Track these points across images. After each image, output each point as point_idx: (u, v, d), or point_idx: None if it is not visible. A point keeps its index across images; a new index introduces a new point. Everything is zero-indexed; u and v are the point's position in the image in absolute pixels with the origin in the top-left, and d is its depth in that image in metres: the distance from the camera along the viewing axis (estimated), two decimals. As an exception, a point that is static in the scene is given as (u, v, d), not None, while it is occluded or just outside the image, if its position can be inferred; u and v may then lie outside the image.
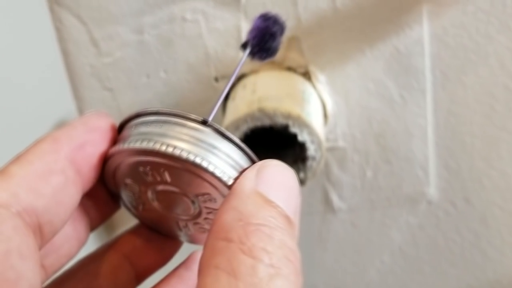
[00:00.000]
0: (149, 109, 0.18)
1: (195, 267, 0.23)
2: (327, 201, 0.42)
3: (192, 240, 0.22)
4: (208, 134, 0.17)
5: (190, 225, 0.21)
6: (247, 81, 0.35)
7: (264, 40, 0.25)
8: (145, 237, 0.22)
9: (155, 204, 0.20)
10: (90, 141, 0.18)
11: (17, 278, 0.15)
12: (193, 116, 0.17)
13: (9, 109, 0.30)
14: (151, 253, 0.22)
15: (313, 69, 0.36)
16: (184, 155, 0.17)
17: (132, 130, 0.18)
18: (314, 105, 0.34)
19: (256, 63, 0.36)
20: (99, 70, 0.38)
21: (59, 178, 0.17)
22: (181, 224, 0.21)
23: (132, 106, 0.39)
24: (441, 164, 0.39)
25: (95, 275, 0.21)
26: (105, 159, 0.19)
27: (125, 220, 0.34)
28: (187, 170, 0.17)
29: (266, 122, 0.31)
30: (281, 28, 0.26)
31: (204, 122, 0.17)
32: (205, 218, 0.20)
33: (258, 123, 0.31)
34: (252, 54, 0.25)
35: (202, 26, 0.35)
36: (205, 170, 0.17)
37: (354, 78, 0.36)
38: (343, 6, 0.34)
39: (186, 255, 0.23)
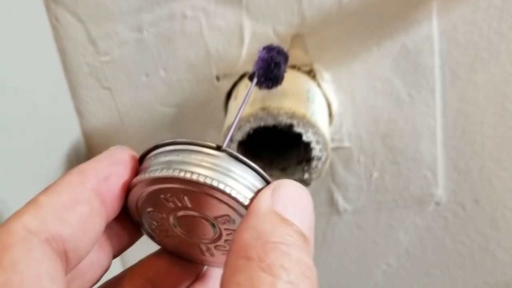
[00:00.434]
0: (166, 140, 0.19)
1: (211, 282, 0.24)
2: (332, 203, 0.41)
3: (215, 264, 0.23)
4: (223, 159, 0.18)
5: (212, 248, 0.22)
6: (250, 80, 0.34)
7: (269, 70, 0.28)
8: (168, 261, 0.23)
9: (177, 230, 0.21)
10: (114, 174, 0.20)
11: None
12: (208, 143, 0.19)
13: (5, 109, 0.29)
14: (174, 277, 0.23)
15: (317, 67, 0.35)
16: (202, 179, 0.18)
17: (151, 161, 0.19)
18: (319, 104, 0.33)
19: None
20: (97, 69, 0.37)
21: (85, 208, 0.18)
22: (203, 248, 0.22)
23: (130, 105, 0.38)
24: (450, 165, 0.38)
25: None
26: (128, 190, 0.20)
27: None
28: (205, 194, 0.18)
29: (270, 122, 0.30)
30: (285, 57, 0.29)
31: (218, 148, 0.19)
32: (226, 240, 0.21)
33: (262, 123, 0.30)
34: (259, 84, 0.28)
35: (203, 24, 0.34)
36: (222, 192, 0.18)
37: (360, 77, 0.35)
38: (349, 2, 0.32)
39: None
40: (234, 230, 0.20)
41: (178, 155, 0.19)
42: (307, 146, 0.31)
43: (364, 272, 0.45)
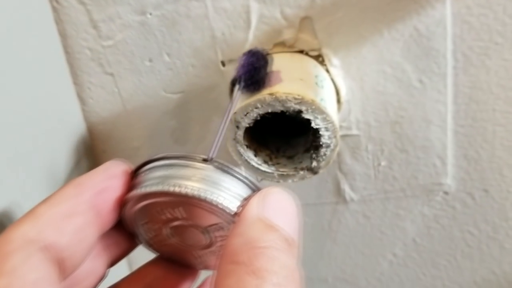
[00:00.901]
0: (156, 156, 0.20)
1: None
2: (338, 192, 0.40)
3: (208, 267, 0.24)
4: (212, 171, 0.20)
5: (205, 253, 0.23)
6: (257, 65, 0.33)
7: (251, 75, 0.28)
8: (165, 267, 0.24)
9: (172, 239, 0.22)
10: (110, 187, 0.21)
11: None
12: (196, 156, 0.20)
13: (5, 96, 0.28)
14: (172, 283, 0.24)
15: (326, 52, 0.34)
16: (193, 192, 0.19)
17: (144, 176, 0.20)
18: (327, 90, 0.32)
19: (265, 46, 0.34)
20: (99, 54, 0.36)
21: (80, 219, 0.19)
22: (198, 253, 0.23)
23: (133, 91, 0.37)
24: (459, 153, 0.37)
25: None
26: (123, 203, 0.21)
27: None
28: (196, 205, 0.19)
29: (278, 107, 0.29)
30: (265, 61, 0.30)
31: (206, 160, 0.20)
32: (218, 246, 0.22)
33: (269, 109, 0.29)
34: (243, 89, 0.29)
35: (209, 6, 0.33)
36: (211, 203, 0.19)
37: (370, 62, 0.34)
38: (359, -16, 0.31)
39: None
40: (226, 236, 0.20)
41: (169, 169, 0.20)
42: (315, 133, 0.31)
43: (370, 262, 0.44)
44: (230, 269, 0.17)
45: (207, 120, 0.38)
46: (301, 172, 0.32)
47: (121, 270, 0.24)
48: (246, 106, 0.29)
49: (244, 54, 0.30)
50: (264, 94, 0.29)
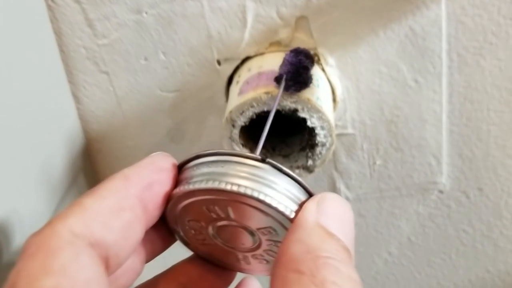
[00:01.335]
0: (208, 151, 0.19)
1: None
2: (334, 190, 0.40)
3: (250, 271, 0.23)
4: (267, 171, 0.19)
5: (249, 257, 0.22)
6: (252, 64, 0.33)
7: (298, 74, 0.28)
8: (201, 267, 0.23)
9: (216, 238, 0.21)
10: (157, 181, 0.20)
11: None
12: (251, 155, 0.19)
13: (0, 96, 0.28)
14: (207, 283, 0.23)
15: (322, 51, 0.34)
16: (248, 192, 0.18)
17: (194, 171, 0.19)
18: (323, 89, 0.32)
19: (261, 45, 0.34)
20: (95, 52, 0.36)
21: (128, 214, 0.18)
22: (240, 256, 0.22)
23: (129, 90, 0.37)
24: (454, 152, 0.37)
25: None
26: (169, 199, 0.20)
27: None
28: (250, 206, 0.18)
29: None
30: (312, 60, 0.29)
31: (263, 160, 0.19)
32: (265, 250, 0.21)
33: (265, 108, 0.29)
34: (287, 87, 0.28)
35: (205, 5, 0.33)
36: (268, 205, 0.18)
37: (366, 61, 0.34)
38: (355, -16, 0.31)
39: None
40: (276, 241, 0.20)
41: (222, 166, 0.19)
42: (311, 132, 0.31)
43: (365, 260, 0.45)
44: (293, 278, 0.16)
45: (202, 119, 0.38)
46: (297, 171, 0.32)
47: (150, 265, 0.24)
48: (241, 105, 0.29)
49: (290, 52, 0.29)
50: (259, 93, 0.30)
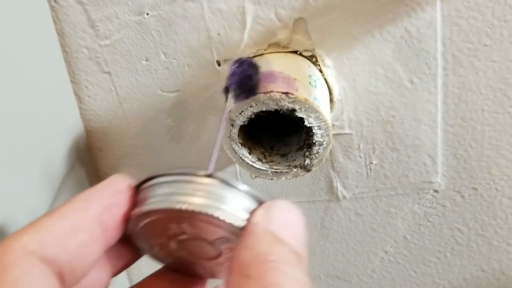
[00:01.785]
0: (158, 172, 0.20)
1: None
2: (331, 189, 0.41)
3: (216, 276, 0.24)
4: (215, 186, 0.20)
5: (212, 264, 0.23)
6: (251, 65, 0.34)
7: (243, 83, 0.29)
8: (171, 279, 0.24)
9: (179, 252, 0.22)
10: (115, 203, 0.20)
11: None
12: (198, 172, 0.20)
13: (3, 94, 0.29)
14: None
15: (319, 53, 0.34)
16: (197, 208, 0.19)
17: (148, 192, 0.21)
18: (320, 89, 0.33)
19: (260, 46, 0.35)
20: (97, 53, 0.36)
21: (84, 235, 0.19)
22: (206, 264, 0.23)
23: (130, 90, 0.38)
24: (449, 152, 0.38)
25: None
26: (128, 219, 0.21)
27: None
28: (202, 221, 0.19)
29: (272, 106, 0.30)
30: (256, 69, 0.31)
31: (209, 175, 0.20)
32: (226, 257, 0.22)
33: (264, 108, 0.30)
34: (236, 96, 0.30)
35: (205, 7, 0.34)
36: (217, 218, 0.19)
37: (362, 62, 0.35)
38: (352, -14, 0.32)
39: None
40: (233, 248, 0.21)
41: (172, 186, 0.20)
42: (308, 131, 0.31)
43: (361, 259, 0.45)
44: (242, 283, 0.17)
45: (202, 119, 0.38)
46: (295, 170, 0.33)
47: (119, 279, 0.24)
48: (241, 104, 0.30)
49: (234, 63, 0.31)
50: (258, 93, 0.30)
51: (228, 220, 0.19)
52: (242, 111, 0.30)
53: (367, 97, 0.36)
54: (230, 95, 0.30)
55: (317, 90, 0.32)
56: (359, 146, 0.38)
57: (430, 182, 0.40)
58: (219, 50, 0.35)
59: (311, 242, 0.45)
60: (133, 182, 0.22)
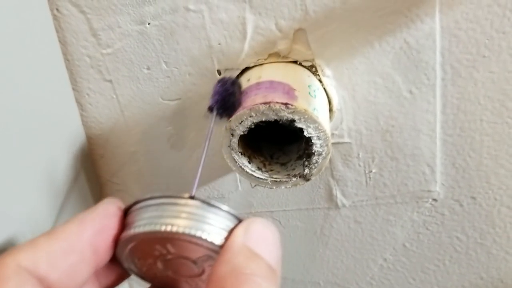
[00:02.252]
0: (145, 196, 0.22)
1: None
2: (330, 197, 0.41)
3: None
4: (197, 207, 0.21)
5: (197, 281, 0.24)
6: (251, 74, 0.34)
7: (225, 101, 0.31)
8: None
9: (165, 271, 0.24)
10: (107, 226, 0.22)
11: None
12: (181, 195, 0.21)
13: (5, 101, 0.29)
14: None
15: (319, 63, 0.35)
16: (180, 230, 0.20)
17: (135, 216, 0.22)
18: (320, 99, 0.33)
19: (260, 56, 0.35)
20: (99, 61, 0.37)
21: (76, 257, 0.21)
22: (190, 282, 0.24)
23: (131, 98, 0.38)
24: (448, 161, 0.38)
25: None
26: (117, 242, 0.22)
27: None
28: (185, 241, 0.21)
29: (272, 116, 0.30)
30: (239, 86, 0.32)
31: (191, 197, 0.21)
32: (209, 274, 0.23)
33: (263, 118, 0.30)
34: (219, 115, 0.31)
35: (206, 17, 0.34)
36: (199, 238, 0.20)
37: (362, 72, 0.35)
38: (352, -3, 0.32)
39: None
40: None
41: (157, 210, 0.21)
42: (308, 141, 0.31)
43: (360, 266, 0.45)
44: None
45: (203, 127, 0.39)
46: (294, 179, 0.33)
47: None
48: (241, 114, 0.30)
49: (217, 83, 0.32)
50: (258, 103, 0.30)
51: (209, 239, 0.20)
52: (242, 121, 0.31)
53: (367, 107, 0.36)
54: (214, 114, 0.31)
55: (316, 100, 0.32)
56: (358, 154, 0.39)
57: (429, 191, 0.40)
58: (220, 59, 0.36)
59: (310, 249, 0.45)
60: (123, 205, 0.23)
